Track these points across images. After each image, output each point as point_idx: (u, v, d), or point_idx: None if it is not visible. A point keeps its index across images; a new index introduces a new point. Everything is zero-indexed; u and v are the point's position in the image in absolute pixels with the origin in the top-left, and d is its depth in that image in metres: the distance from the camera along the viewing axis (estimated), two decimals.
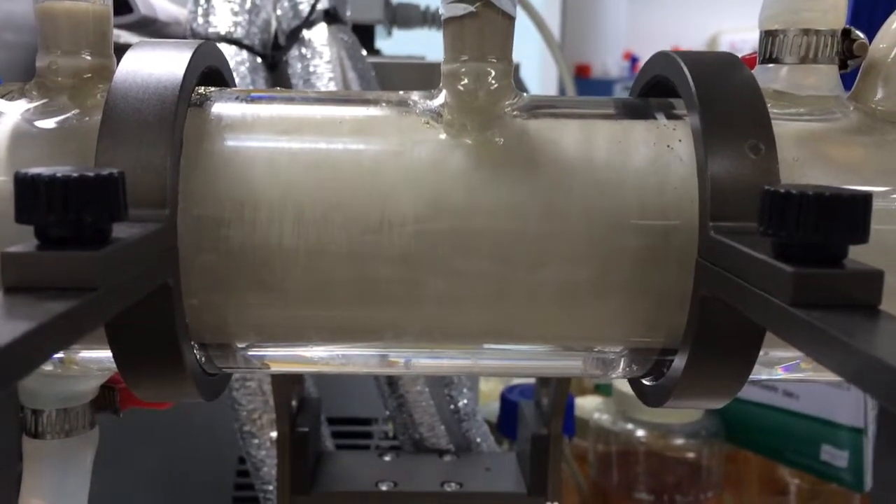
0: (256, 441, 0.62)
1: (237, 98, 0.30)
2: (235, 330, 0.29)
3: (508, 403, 0.72)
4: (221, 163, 0.28)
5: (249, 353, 0.30)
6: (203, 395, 0.29)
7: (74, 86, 0.29)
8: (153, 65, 0.28)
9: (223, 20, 0.66)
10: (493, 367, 0.32)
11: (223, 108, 0.29)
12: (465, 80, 0.29)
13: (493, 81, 0.29)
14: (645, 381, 0.31)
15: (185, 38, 0.68)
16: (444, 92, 0.29)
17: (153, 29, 0.71)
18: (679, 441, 0.83)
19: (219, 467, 0.69)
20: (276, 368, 0.32)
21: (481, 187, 0.28)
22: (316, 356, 0.30)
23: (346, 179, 0.28)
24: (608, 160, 0.28)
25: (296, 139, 0.29)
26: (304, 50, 0.65)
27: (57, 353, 0.17)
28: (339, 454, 0.62)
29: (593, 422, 0.85)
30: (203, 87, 0.30)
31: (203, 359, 0.29)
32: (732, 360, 0.26)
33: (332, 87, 0.63)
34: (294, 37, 0.66)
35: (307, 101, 0.31)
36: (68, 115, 0.28)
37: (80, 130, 0.28)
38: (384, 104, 0.30)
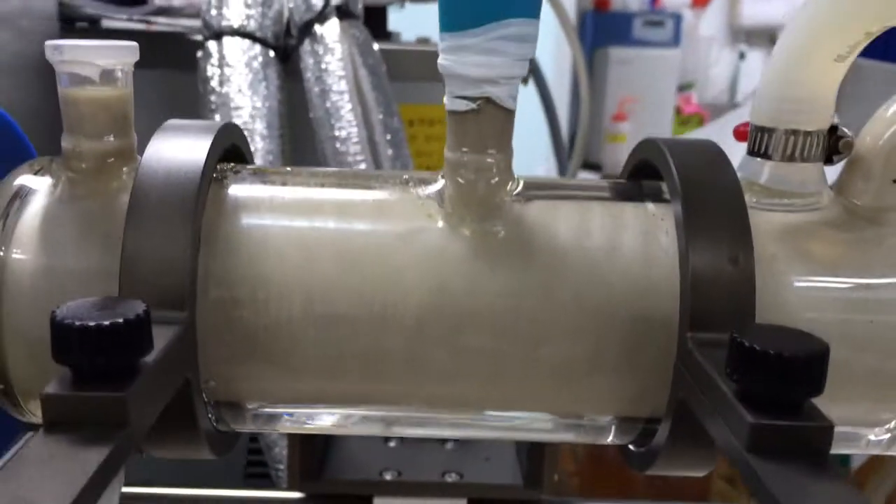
0: None
1: (252, 178, 0.32)
2: (246, 398, 0.31)
3: None
4: (236, 244, 0.30)
5: (260, 414, 0.32)
6: (215, 453, 0.31)
7: (99, 168, 0.31)
8: (176, 152, 0.29)
9: (236, 13, 0.66)
10: (492, 435, 0.34)
11: (239, 189, 0.31)
12: (466, 172, 0.30)
13: (494, 173, 0.30)
14: (631, 447, 0.33)
15: (199, 28, 0.69)
16: (444, 181, 0.31)
17: (168, 15, 0.72)
18: None
19: None
20: (283, 430, 0.35)
21: (480, 275, 0.30)
22: (323, 422, 0.33)
23: (351, 264, 0.30)
24: (600, 248, 0.30)
25: (303, 222, 0.31)
26: (315, 46, 0.66)
27: (96, 500, 0.19)
28: (347, 439, 0.65)
29: None
30: (221, 166, 0.32)
31: (216, 420, 0.32)
32: (706, 447, 0.28)
33: (343, 85, 0.64)
34: (306, 30, 0.66)
35: (317, 181, 0.32)
36: (94, 199, 0.30)
37: (106, 215, 0.30)
38: (389, 188, 0.32)
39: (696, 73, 2.92)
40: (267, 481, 0.70)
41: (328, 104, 0.64)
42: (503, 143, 0.30)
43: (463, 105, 0.29)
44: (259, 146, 0.63)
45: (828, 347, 0.22)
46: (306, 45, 0.66)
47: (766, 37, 2.99)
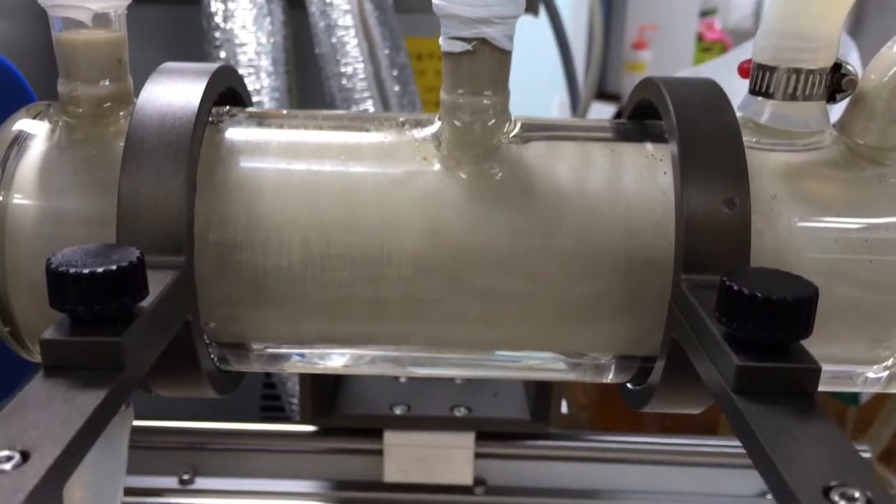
0: None
1: (249, 121, 0.32)
2: (249, 339, 0.32)
3: None
4: (233, 189, 0.30)
5: (264, 355, 0.33)
6: (220, 393, 0.32)
7: (95, 113, 0.31)
8: (171, 96, 0.29)
9: None
10: (495, 375, 0.35)
11: (235, 132, 0.31)
12: (462, 114, 0.30)
13: (490, 115, 0.30)
14: (629, 385, 0.33)
15: None
16: (441, 124, 0.30)
17: None
18: None
19: (248, 381, 0.74)
20: (290, 370, 0.35)
21: (477, 217, 0.30)
22: (325, 364, 0.33)
23: (349, 207, 0.30)
24: (598, 189, 0.30)
25: (301, 165, 0.31)
26: None
27: (90, 448, 0.20)
28: (357, 376, 0.66)
29: None
30: (217, 109, 0.32)
31: (219, 362, 0.32)
32: (699, 386, 0.29)
33: (348, 20, 0.63)
34: None
35: (314, 123, 0.32)
36: (91, 143, 0.30)
37: (102, 159, 0.30)
38: (386, 130, 0.31)
39: None
40: (282, 414, 0.71)
41: (334, 39, 0.63)
42: (499, 85, 0.30)
43: (458, 46, 0.29)
44: (265, 83, 0.62)
45: (816, 291, 0.22)
46: None
47: None
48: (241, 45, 0.62)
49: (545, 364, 0.33)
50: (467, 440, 0.61)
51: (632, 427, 0.89)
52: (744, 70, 0.33)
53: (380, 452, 0.62)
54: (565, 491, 0.63)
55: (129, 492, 0.56)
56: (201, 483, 0.63)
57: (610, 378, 0.33)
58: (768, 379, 0.22)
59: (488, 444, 0.62)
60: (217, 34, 0.62)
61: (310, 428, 0.63)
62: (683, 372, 0.29)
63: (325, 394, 0.61)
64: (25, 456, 0.18)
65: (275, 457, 0.64)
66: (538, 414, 0.60)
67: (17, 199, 0.30)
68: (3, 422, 0.19)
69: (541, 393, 0.60)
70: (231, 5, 0.64)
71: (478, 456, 0.62)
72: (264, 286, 0.30)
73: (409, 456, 0.61)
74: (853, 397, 0.83)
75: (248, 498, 0.62)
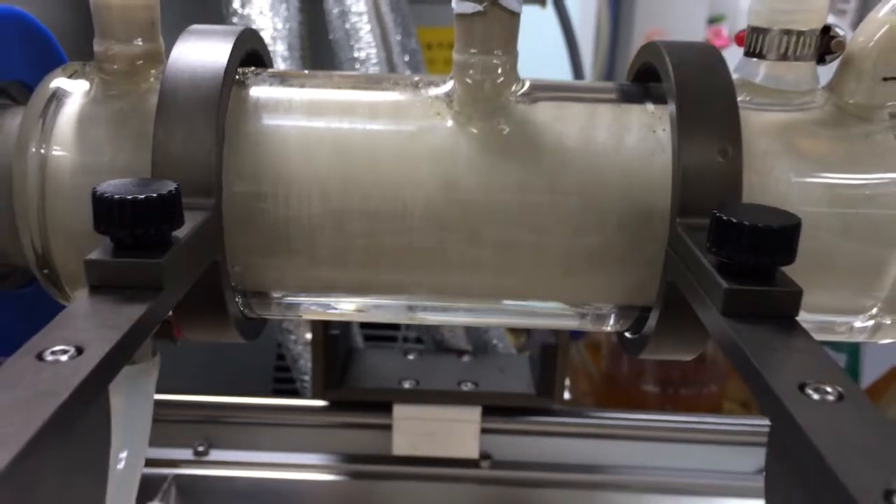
0: (293, 337, 0.69)
1: (272, 80, 0.34)
2: (271, 286, 0.34)
3: None
4: (258, 143, 0.32)
5: (284, 303, 0.35)
6: (244, 337, 0.34)
7: (129, 71, 0.33)
8: (200, 55, 0.31)
9: None
10: (501, 322, 0.36)
11: (260, 91, 0.33)
12: (473, 72, 0.32)
13: (500, 74, 0.32)
14: (627, 335, 0.35)
15: None
16: (453, 82, 0.32)
17: None
18: None
19: (261, 359, 0.76)
20: (306, 317, 0.37)
21: (487, 170, 0.32)
22: (341, 308, 0.35)
23: (365, 161, 0.32)
24: (602, 145, 0.32)
25: (321, 122, 0.33)
26: None
27: (135, 352, 0.22)
28: (367, 352, 0.68)
29: None
30: (242, 70, 0.34)
31: (244, 307, 0.34)
32: (691, 331, 0.31)
33: (361, 5, 0.65)
34: None
35: (333, 84, 0.34)
36: (125, 99, 0.33)
37: (137, 114, 0.32)
38: (401, 89, 0.33)
39: (727, 5, 2.85)
40: (294, 393, 0.73)
41: (347, 25, 0.65)
42: (509, 45, 0.32)
43: (470, 7, 0.31)
44: (280, 68, 0.64)
45: (799, 221, 0.24)
46: None
47: None
48: (259, 29, 0.64)
49: (550, 312, 0.35)
50: (474, 414, 0.63)
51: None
52: (740, 38, 0.35)
53: (389, 427, 0.64)
54: (569, 466, 0.65)
55: (147, 462, 0.58)
56: (216, 455, 0.65)
57: (610, 326, 0.35)
58: (753, 301, 0.23)
59: (494, 419, 0.64)
60: (235, 19, 0.64)
61: (321, 403, 0.65)
62: (678, 317, 0.31)
63: (336, 369, 0.63)
64: (80, 350, 0.20)
65: (287, 430, 0.66)
66: (543, 389, 0.62)
67: (57, 152, 0.32)
68: (56, 325, 0.21)
69: (545, 369, 0.62)
70: None
71: (484, 431, 0.64)
72: (286, 235, 0.32)
73: (417, 429, 0.63)
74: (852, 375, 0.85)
75: (261, 469, 0.64)
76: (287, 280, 0.33)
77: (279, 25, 0.65)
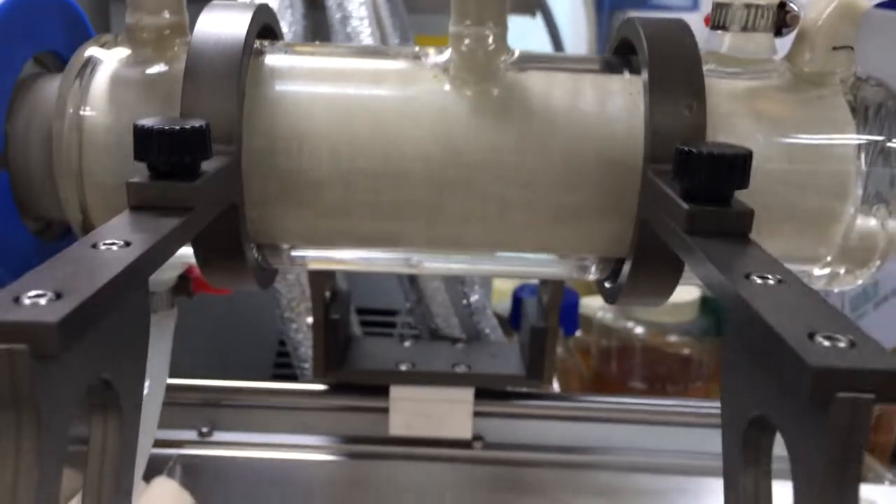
0: (295, 325, 0.72)
1: (285, 51, 0.37)
2: (283, 236, 0.37)
3: (519, 301, 0.81)
4: (273, 105, 0.36)
5: (293, 253, 0.38)
6: (259, 285, 0.37)
7: (157, 39, 0.36)
8: (222, 26, 0.35)
9: None
10: (495, 270, 0.40)
11: (274, 59, 0.37)
12: (468, 41, 0.35)
13: (491, 43, 0.36)
14: (606, 284, 0.39)
15: None
16: (449, 50, 0.36)
17: None
18: (672, 338, 0.92)
19: (262, 347, 0.79)
20: (313, 266, 0.40)
21: (480, 129, 0.35)
22: (345, 258, 0.39)
23: (369, 122, 0.35)
24: (584, 107, 0.36)
25: (330, 87, 0.36)
26: None
27: (171, 256, 0.25)
28: (365, 339, 0.71)
29: (597, 319, 0.94)
30: (259, 41, 0.38)
31: (259, 257, 0.38)
32: (663, 270, 0.34)
33: (362, 11, 0.69)
34: None
35: (340, 53, 0.38)
36: (154, 65, 0.36)
37: (164, 78, 0.36)
38: (402, 58, 0.37)
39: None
40: (294, 379, 0.76)
41: (349, 29, 0.69)
42: (500, 18, 0.36)
43: None
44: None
45: (750, 151, 0.28)
46: None
47: None
48: None
49: (538, 261, 0.38)
50: (467, 395, 0.66)
51: None
52: (707, 20, 0.39)
53: (385, 410, 0.67)
54: (559, 447, 0.68)
55: (153, 443, 0.61)
56: (219, 436, 0.68)
57: (591, 275, 0.38)
58: (711, 220, 0.27)
59: (487, 402, 0.67)
60: None
61: (320, 386, 0.68)
62: (649, 264, 0.34)
63: (336, 352, 0.66)
64: (128, 243, 0.23)
65: (287, 413, 0.69)
66: (533, 371, 0.65)
67: (91, 112, 0.36)
68: (105, 228, 0.25)
69: (534, 353, 0.65)
70: None
71: (477, 414, 0.67)
72: (297, 186, 0.35)
73: (413, 410, 0.66)
74: None
75: (262, 450, 0.67)
76: (295, 229, 0.37)
77: (285, 29, 0.69)
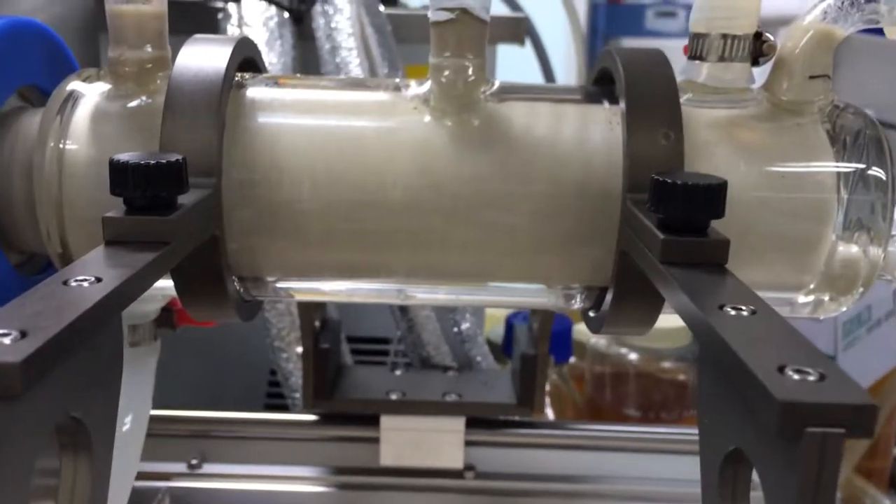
0: (285, 355, 0.72)
1: (266, 83, 0.38)
2: (265, 267, 0.37)
3: (512, 327, 0.81)
4: (254, 136, 0.36)
5: (277, 285, 0.38)
6: (241, 318, 0.37)
7: (139, 73, 0.37)
8: (203, 59, 0.35)
9: None
10: (481, 301, 0.40)
11: (255, 92, 0.37)
12: (447, 73, 0.36)
13: (471, 74, 0.36)
14: (590, 313, 0.39)
15: None
16: (430, 82, 0.36)
17: None
18: (667, 364, 0.91)
19: (253, 377, 0.78)
20: (298, 298, 0.40)
21: (460, 159, 0.35)
22: (330, 289, 0.38)
23: (350, 153, 0.35)
24: (563, 137, 0.36)
25: (311, 118, 0.36)
26: (326, 7, 0.71)
27: (144, 291, 0.25)
28: (356, 367, 0.71)
29: (590, 345, 0.94)
30: (240, 74, 0.38)
31: (241, 289, 0.38)
32: (645, 299, 0.34)
33: (351, 42, 0.70)
34: None
35: (321, 86, 0.38)
36: (135, 98, 0.36)
37: (146, 112, 0.36)
38: (383, 90, 0.37)
39: None
40: (285, 409, 0.76)
41: (338, 59, 0.69)
42: (478, 50, 0.36)
43: (444, 15, 0.35)
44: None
45: (725, 181, 0.28)
46: (318, 7, 0.72)
47: (779, 26, 3.01)
48: None
49: (523, 291, 0.38)
50: (458, 424, 0.65)
51: None
52: (686, 49, 0.39)
53: (376, 440, 0.66)
54: (551, 476, 0.67)
55: (141, 476, 0.60)
56: (208, 468, 0.67)
57: (576, 304, 0.38)
58: (687, 250, 0.27)
59: (478, 431, 0.66)
60: None
61: (310, 417, 0.68)
62: (630, 294, 0.34)
63: (325, 382, 0.65)
64: (98, 279, 0.23)
65: (278, 444, 0.68)
66: (524, 399, 0.65)
67: (72, 146, 0.36)
68: (77, 264, 0.25)
69: (525, 381, 0.64)
70: (246, 30, 0.70)
71: (468, 443, 0.67)
72: (277, 218, 0.35)
73: (403, 440, 0.66)
74: None
75: (253, 482, 0.66)
76: (279, 261, 0.37)
77: (274, 60, 0.70)
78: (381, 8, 0.75)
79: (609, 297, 0.35)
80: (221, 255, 0.34)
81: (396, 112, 0.36)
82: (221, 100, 0.34)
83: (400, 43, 0.78)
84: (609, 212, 0.35)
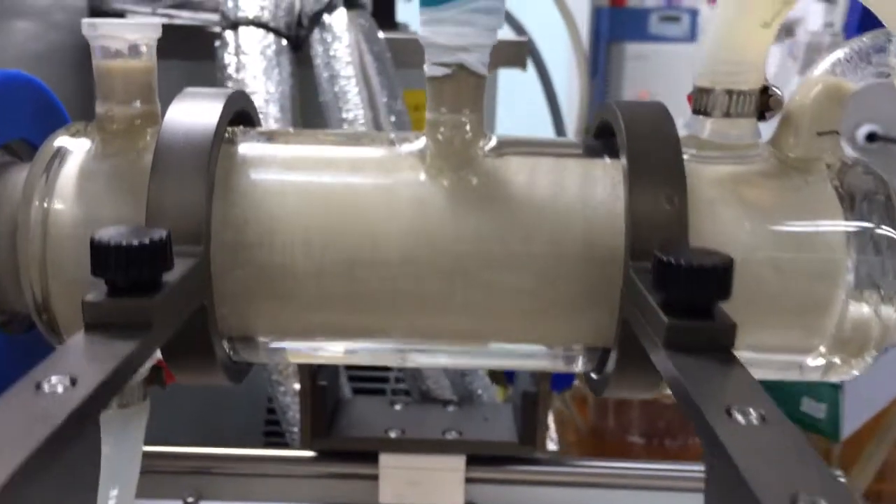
0: (283, 388, 0.71)
1: (259, 138, 0.37)
2: (256, 330, 0.36)
3: None
4: (245, 195, 0.35)
5: (269, 347, 0.37)
6: (231, 381, 0.36)
7: (127, 130, 0.35)
8: (193, 115, 0.34)
9: (251, 4, 0.71)
10: (480, 363, 0.38)
11: (247, 148, 0.36)
12: (444, 130, 0.35)
13: (468, 131, 0.35)
14: (592, 375, 0.37)
15: (217, 21, 0.74)
16: (426, 138, 0.35)
17: (189, 9, 0.77)
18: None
19: (251, 409, 0.77)
20: (292, 360, 0.39)
21: (457, 219, 0.34)
22: (325, 351, 0.37)
23: (344, 212, 0.34)
24: (564, 196, 0.34)
25: (303, 175, 0.35)
26: (325, 34, 0.70)
27: (125, 385, 0.24)
28: (355, 401, 0.70)
29: None
30: (232, 128, 0.37)
31: (231, 351, 0.36)
32: (647, 370, 0.33)
33: (350, 70, 0.69)
34: (316, 20, 0.71)
35: (315, 141, 0.37)
36: (123, 156, 0.35)
37: (133, 171, 0.35)
38: (377, 145, 0.36)
39: None
40: (283, 443, 0.75)
41: (336, 88, 0.68)
42: (476, 105, 0.35)
43: (440, 71, 0.34)
44: (273, 128, 0.67)
45: (731, 260, 0.27)
46: (316, 34, 0.71)
47: (783, 31, 2.99)
48: (252, 93, 0.67)
49: (524, 353, 0.37)
50: (458, 463, 0.64)
51: None
52: (690, 99, 0.38)
53: (375, 477, 0.65)
54: None
55: None
56: None
57: (579, 367, 0.37)
58: (692, 335, 0.26)
59: (479, 468, 0.65)
60: (230, 84, 0.68)
61: (309, 453, 0.66)
62: (634, 357, 0.33)
63: (323, 419, 0.64)
64: (74, 381, 0.22)
65: (276, 481, 0.67)
66: (525, 437, 0.63)
67: (58, 205, 0.35)
68: (53, 359, 0.24)
69: (527, 418, 0.63)
70: (243, 58, 0.69)
71: (469, 480, 0.65)
72: (270, 281, 0.34)
73: (403, 478, 0.64)
74: (835, 433, 0.86)
75: None
76: (271, 324, 0.36)
77: (272, 89, 0.69)
78: (380, 34, 0.74)
79: (612, 361, 0.34)
80: (210, 322, 0.33)
81: (392, 170, 0.35)
82: (210, 161, 0.33)
83: (399, 67, 0.77)
84: (612, 275, 0.34)
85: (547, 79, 0.91)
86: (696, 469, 0.67)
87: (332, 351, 0.37)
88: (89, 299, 0.26)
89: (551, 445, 0.88)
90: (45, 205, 0.35)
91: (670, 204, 0.32)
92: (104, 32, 0.34)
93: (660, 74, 2.75)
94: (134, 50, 0.35)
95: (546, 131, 1.09)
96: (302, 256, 0.34)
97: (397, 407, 0.69)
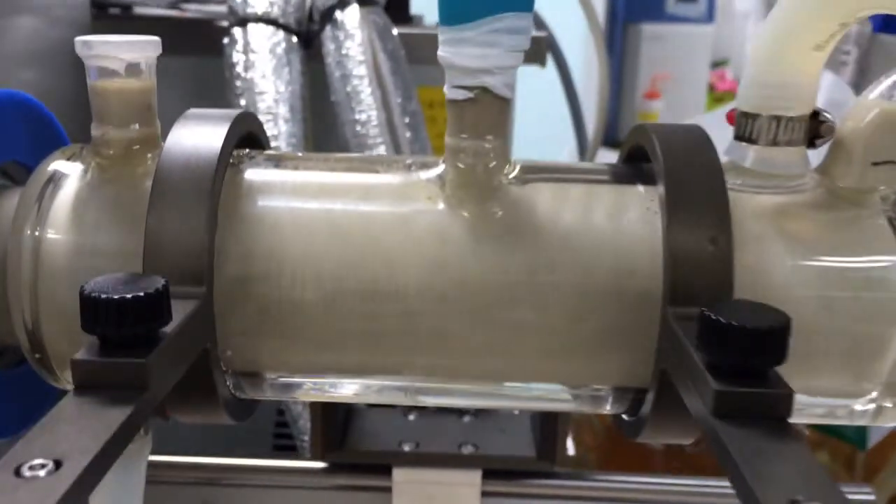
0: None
1: (267, 163, 0.34)
2: (264, 368, 0.34)
3: None
4: (252, 225, 0.32)
5: (277, 384, 0.35)
6: (235, 420, 0.34)
7: (125, 155, 0.33)
8: (195, 139, 0.32)
9: (261, 0, 0.68)
10: (498, 405, 0.36)
11: (254, 173, 0.33)
12: (464, 156, 0.32)
13: (491, 158, 0.32)
14: (624, 416, 0.35)
15: (225, 14, 0.71)
16: (445, 166, 0.33)
17: (197, 2, 0.74)
18: None
19: (260, 416, 0.75)
20: (301, 398, 0.37)
21: (479, 254, 0.32)
22: (335, 391, 0.35)
23: (357, 244, 0.32)
24: (594, 228, 0.32)
25: (314, 204, 0.33)
26: (336, 31, 0.68)
27: (119, 455, 0.22)
28: (367, 412, 0.68)
29: None
30: (238, 152, 0.34)
31: (234, 388, 0.34)
32: (684, 418, 0.30)
33: (362, 70, 0.66)
34: (328, 17, 0.68)
35: (327, 165, 0.35)
36: (121, 183, 0.33)
37: (131, 200, 0.32)
38: (393, 172, 0.34)
39: (731, 50, 2.88)
40: (294, 452, 0.73)
41: (349, 88, 0.65)
42: (500, 130, 0.32)
43: (461, 94, 0.31)
44: (283, 129, 0.65)
45: (789, 321, 0.24)
46: (328, 31, 0.68)
47: None
48: (261, 93, 0.65)
49: (547, 394, 0.34)
50: (474, 477, 0.62)
51: (639, 470, 0.89)
52: (731, 117, 0.35)
53: (388, 489, 0.63)
54: None
55: None
56: None
57: (608, 409, 0.35)
58: (744, 403, 0.23)
59: (496, 482, 0.63)
60: (238, 83, 0.65)
61: (320, 464, 0.64)
62: (672, 402, 0.30)
63: (335, 430, 0.62)
64: (58, 464, 0.20)
65: (286, 492, 0.65)
66: (543, 452, 0.61)
67: (51, 234, 0.32)
68: (37, 434, 0.21)
69: (546, 431, 0.61)
70: (252, 56, 0.67)
71: (485, 494, 0.63)
72: (279, 317, 0.32)
73: (417, 492, 0.62)
74: (861, 441, 0.84)
75: None
76: (279, 363, 0.33)
77: (281, 88, 0.66)
78: (394, 30, 0.71)
79: (648, 404, 0.32)
80: (213, 362, 0.31)
81: (408, 198, 0.33)
82: (214, 189, 0.31)
83: (413, 63, 0.74)
84: (647, 312, 0.31)
85: (567, 75, 0.88)
86: (719, 484, 0.65)
87: (344, 391, 0.35)
88: (79, 357, 0.24)
89: (568, 450, 0.86)
90: (38, 234, 0.32)
91: (714, 244, 0.29)
92: (99, 52, 0.31)
93: (677, 56, 2.70)
94: (132, 69, 0.32)
95: (564, 127, 1.06)
96: (312, 290, 0.32)
97: (411, 417, 0.66)
